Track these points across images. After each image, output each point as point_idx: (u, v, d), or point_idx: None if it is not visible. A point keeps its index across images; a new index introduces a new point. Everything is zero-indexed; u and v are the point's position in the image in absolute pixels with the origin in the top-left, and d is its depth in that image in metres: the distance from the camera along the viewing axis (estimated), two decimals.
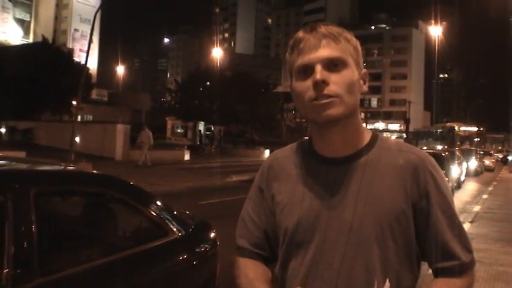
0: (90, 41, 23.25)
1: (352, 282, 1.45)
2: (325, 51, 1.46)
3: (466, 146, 43.49)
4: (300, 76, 1.49)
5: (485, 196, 20.01)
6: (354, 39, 1.54)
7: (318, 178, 1.54)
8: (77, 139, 23.92)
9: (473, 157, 35.36)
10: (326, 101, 1.44)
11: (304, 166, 1.59)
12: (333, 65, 1.46)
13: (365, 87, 1.56)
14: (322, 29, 1.49)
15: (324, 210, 1.50)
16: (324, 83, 1.43)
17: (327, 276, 1.47)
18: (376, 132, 1.61)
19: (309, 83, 1.46)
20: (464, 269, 1.51)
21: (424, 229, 1.51)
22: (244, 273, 1.64)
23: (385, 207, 1.47)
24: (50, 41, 48.36)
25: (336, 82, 1.45)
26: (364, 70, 1.56)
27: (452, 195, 1.58)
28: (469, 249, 1.53)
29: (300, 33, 1.51)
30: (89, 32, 25.20)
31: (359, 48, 1.55)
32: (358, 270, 1.45)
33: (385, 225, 1.46)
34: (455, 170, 21.23)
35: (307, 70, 1.47)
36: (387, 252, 1.47)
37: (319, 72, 1.44)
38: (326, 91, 1.43)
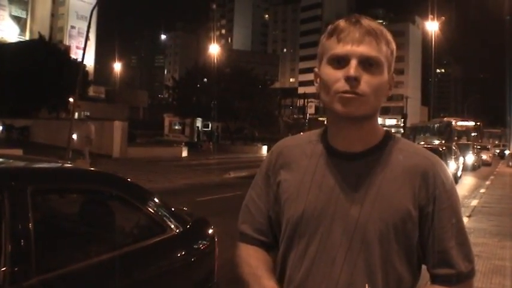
0: (87, 38, 23.26)
1: (354, 278, 1.44)
2: (366, 48, 1.44)
3: (464, 140, 43.43)
4: (333, 64, 1.47)
5: (482, 190, 20.06)
6: (393, 43, 1.53)
7: (328, 171, 1.53)
8: (74, 136, 23.85)
9: (471, 152, 35.42)
10: (353, 96, 1.43)
11: (315, 157, 1.57)
12: (368, 64, 1.44)
13: (390, 92, 1.56)
14: (367, 23, 1.47)
15: (330, 204, 1.49)
16: (356, 80, 1.42)
17: (329, 271, 1.47)
18: (390, 132, 1.60)
19: (340, 74, 1.44)
20: (461, 279, 1.49)
21: (427, 233, 1.50)
22: (247, 261, 1.63)
23: (393, 207, 1.46)
24: (47, 38, 48.19)
25: (367, 82, 1.43)
26: (394, 75, 1.57)
27: (460, 202, 1.57)
28: (470, 259, 1.52)
29: (342, 23, 1.49)
30: (85, 29, 25.14)
31: (395, 53, 1.55)
32: (360, 267, 1.45)
33: (390, 225, 1.46)
34: (452, 165, 21.25)
35: (341, 61, 1.45)
36: (389, 252, 1.46)
37: (353, 68, 1.42)
38: (356, 89, 1.42)
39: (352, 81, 1.42)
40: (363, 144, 1.52)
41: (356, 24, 1.47)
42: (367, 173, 1.50)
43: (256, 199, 1.68)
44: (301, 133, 1.73)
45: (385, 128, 1.62)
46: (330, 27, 1.52)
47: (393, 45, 1.54)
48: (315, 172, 1.55)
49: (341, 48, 1.45)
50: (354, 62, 1.43)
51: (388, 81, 1.52)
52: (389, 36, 1.52)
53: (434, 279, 1.52)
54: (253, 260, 1.63)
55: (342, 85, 1.43)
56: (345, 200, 1.49)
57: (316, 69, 1.57)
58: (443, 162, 1.56)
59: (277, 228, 1.64)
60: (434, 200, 1.48)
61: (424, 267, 1.56)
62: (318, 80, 1.54)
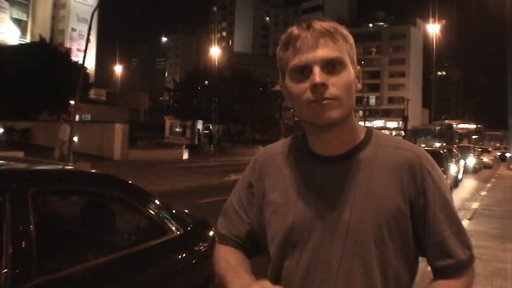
0: (88, 41, 23.26)
1: (351, 282, 1.43)
2: (324, 51, 1.39)
3: (465, 143, 43.42)
4: (296, 76, 1.43)
5: (483, 193, 19.99)
6: (349, 35, 1.48)
7: (313, 177, 1.51)
8: (75, 139, 23.86)
9: (472, 154, 35.38)
10: (325, 102, 1.39)
11: (298, 164, 1.55)
12: (331, 66, 1.40)
13: (359, 85, 1.50)
14: (319, 25, 1.42)
15: (320, 210, 1.47)
16: (324, 86, 1.38)
17: (325, 277, 1.45)
18: (370, 129, 1.58)
19: (306, 84, 1.40)
20: (463, 267, 1.49)
21: (422, 227, 1.48)
22: (225, 259, 1.61)
23: (383, 205, 1.44)
24: (48, 40, 48.27)
25: (335, 84, 1.39)
26: (358, 67, 1.51)
27: (450, 192, 1.55)
28: (468, 246, 1.51)
29: (295, 30, 1.45)
30: (86, 31, 25.17)
31: (353, 45, 1.50)
32: (356, 270, 1.43)
33: (383, 224, 1.44)
34: (453, 168, 21.19)
35: (303, 71, 1.41)
36: (385, 251, 1.45)
37: (318, 75, 1.38)
38: (326, 94, 1.38)
39: (320, 88, 1.38)
40: (345, 146, 1.50)
41: (309, 29, 1.42)
42: (353, 174, 1.47)
43: (237, 207, 1.66)
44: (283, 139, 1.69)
45: (365, 126, 1.59)
46: (283, 37, 1.48)
47: (350, 39, 1.49)
48: (300, 180, 1.53)
49: (299, 58, 1.41)
50: (316, 69, 1.39)
51: (355, 76, 1.48)
52: (344, 31, 1.47)
53: (436, 272, 1.51)
54: (232, 258, 1.60)
55: (310, 95, 1.39)
56: (334, 205, 1.46)
57: (280, 84, 1.53)
58: (428, 154, 1.54)
59: (262, 238, 1.61)
60: (424, 193, 1.47)
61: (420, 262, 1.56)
62: (286, 94, 1.50)
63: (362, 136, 1.54)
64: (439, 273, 1.51)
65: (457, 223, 1.51)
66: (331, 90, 1.39)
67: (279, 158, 1.60)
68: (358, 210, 1.44)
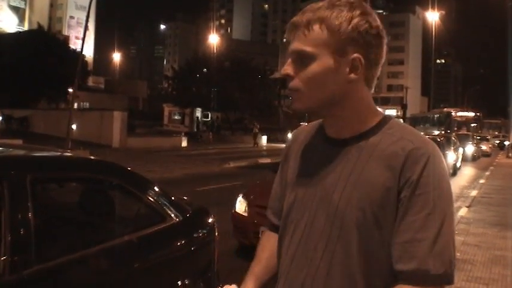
0: (86, 28, 23.20)
1: (332, 266, 1.42)
2: (294, 44, 1.45)
3: (463, 131, 43.40)
4: None
5: (482, 181, 20.04)
6: (332, 18, 1.40)
7: (318, 157, 1.54)
8: (74, 127, 23.86)
9: (470, 142, 35.40)
10: (287, 93, 1.50)
11: (312, 144, 1.59)
12: (300, 58, 1.43)
13: (352, 75, 1.43)
14: (301, 18, 1.44)
15: (317, 190, 1.49)
16: (288, 76, 1.45)
17: (310, 258, 1.46)
18: (388, 117, 1.52)
19: None
20: (427, 280, 1.32)
21: (398, 222, 1.38)
22: (258, 248, 1.79)
23: (371, 192, 1.40)
24: (46, 28, 48.10)
25: (299, 76, 1.43)
26: (354, 55, 1.42)
27: (449, 192, 1.41)
28: (443, 261, 1.33)
29: (290, 21, 1.50)
30: (84, 19, 25.08)
31: (348, 29, 1.40)
32: (337, 256, 1.42)
33: (368, 212, 1.39)
34: (451, 156, 21.17)
35: None
36: (369, 240, 1.40)
37: (286, 66, 1.47)
38: (289, 86, 1.46)
39: (287, 78, 1.46)
40: (350, 131, 1.49)
41: (291, 22, 1.48)
42: (352, 159, 1.46)
43: (275, 185, 1.76)
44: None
45: (386, 113, 1.57)
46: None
47: (331, 21, 1.40)
48: (309, 159, 1.57)
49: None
50: (288, 60, 1.46)
51: (339, 66, 1.42)
52: (324, 13, 1.40)
53: (397, 277, 1.37)
54: (260, 247, 1.79)
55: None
56: (329, 186, 1.47)
57: None
58: (434, 147, 1.44)
59: None
60: (410, 185, 1.37)
61: None
62: None
63: (374, 123, 1.50)
64: (399, 279, 1.36)
65: (439, 228, 1.34)
66: (293, 82, 1.46)
67: (300, 138, 1.67)
68: (348, 195, 1.43)
